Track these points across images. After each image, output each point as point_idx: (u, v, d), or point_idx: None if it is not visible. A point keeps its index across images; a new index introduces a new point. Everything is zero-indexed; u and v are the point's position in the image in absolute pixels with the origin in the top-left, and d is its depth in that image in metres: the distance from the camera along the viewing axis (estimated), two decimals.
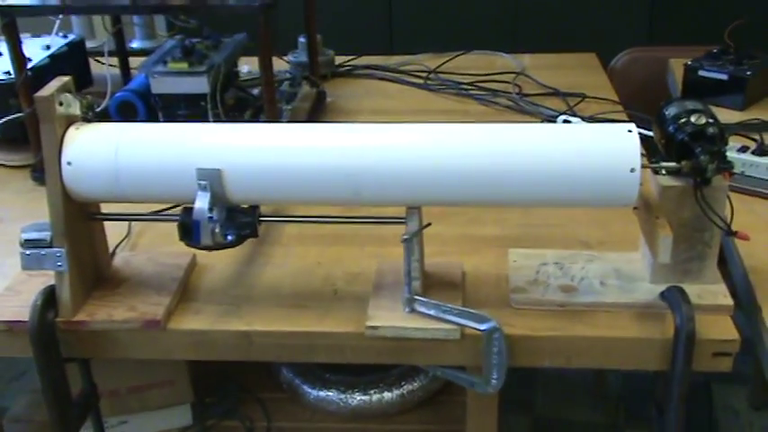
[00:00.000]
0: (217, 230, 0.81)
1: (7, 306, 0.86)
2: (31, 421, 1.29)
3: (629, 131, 0.77)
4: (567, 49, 1.77)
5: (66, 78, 0.81)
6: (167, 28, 1.73)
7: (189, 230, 0.82)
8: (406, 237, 0.81)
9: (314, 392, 1.30)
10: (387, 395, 1.28)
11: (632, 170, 0.75)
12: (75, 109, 0.82)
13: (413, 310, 0.83)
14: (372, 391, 1.29)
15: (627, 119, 1.38)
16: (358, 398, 1.28)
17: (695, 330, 0.77)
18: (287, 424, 1.29)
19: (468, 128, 0.80)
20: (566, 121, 1.33)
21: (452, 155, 0.78)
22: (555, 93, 1.49)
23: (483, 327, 0.80)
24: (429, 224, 0.84)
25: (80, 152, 0.80)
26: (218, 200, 0.80)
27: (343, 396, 1.28)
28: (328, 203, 0.83)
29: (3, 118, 1.23)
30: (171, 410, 1.27)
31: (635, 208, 0.86)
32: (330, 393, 1.29)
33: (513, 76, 1.59)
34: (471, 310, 0.81)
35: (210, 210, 0.80)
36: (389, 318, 0.83)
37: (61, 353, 0.84)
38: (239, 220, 0.84)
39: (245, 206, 0.85)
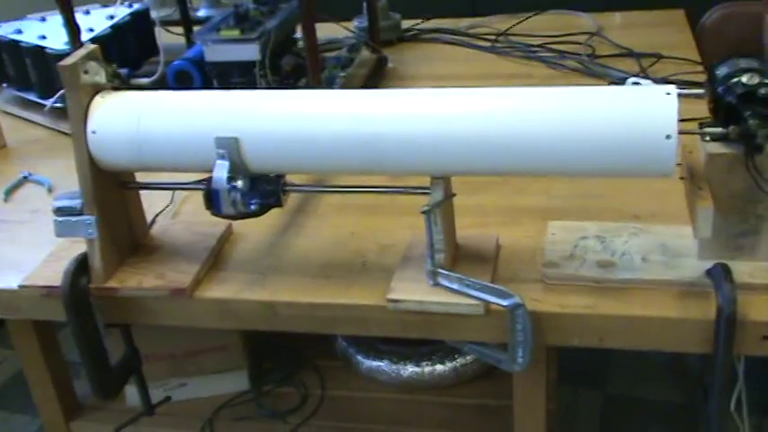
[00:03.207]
0: (239, 199, 0.81)
1: (47, 272, 0.89)
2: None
3: (668, 94, 0.70)
4: (655, 6, 1.65)
5: (92, 46, 0.82)
6: None
7: (211, 199, 0.82)
8: (426, 208, 0.77)
9: (367, 362, 1.29)
10: (439, 367, 1.26)
11: (668, 137, 0.68)
12: (102, 77, 0.83)
13: (437, 284, 0.80)
14: (425, 363, 1.26)
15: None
16: (410, 369, 1.27)
17: (736, 312, 0.70)
18: (341, 392, 1.29)
19: (492, 92, 0.75)
20: (635, 84, 1.24)
21: (474, 121, 0.73)
22: (629, 54, 1.39)
23: (505, 303, 0.76)
24: (454, 195, 0.80)
25: (104, 121, 0.81)
26: (238, 169, 0.80)
27: (395, 367, 1.27)
28: (349, 172, 0.81)
29: None
30: (227, 375, 1.29)
31: (682, 178, 0.80)
32: (382, 364, 1.28)
33: (588, 36, 1.50)
34: (494, 285, 0.77)
35: (231, 179, 0.79)
36: (412, 291, 0.80)
37: (96, 318, 0.86)
38: (263, 188, 0.83)
39: (271, 175, 0.84)
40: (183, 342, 1.24)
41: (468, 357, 1.25)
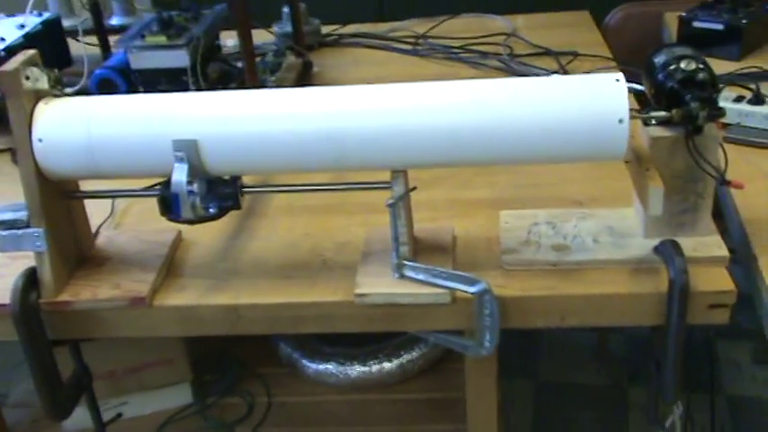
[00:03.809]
0: (197, 203, 0.79)
1: None
2: (30, 407, 1.29)
3: (617, 81, 0.74)
4: (559, 9, 1.73)
5: (31, 52, 0.79)
6: (151, 3, 1.70)
7: (169, 204, 0.80)
8: (391, 201, 0.79)
9: (313, 366, 1.29)
10: (386, 365, 1.27)
11: (620, 121, 0.72)
12: (44, 83, 0.80)
13: (402, 276, 0.81)
14: (372, 362, 1.28)
15: None
16: (358, 369, 1.27)
17: (689, 283, 0.75)
18: (288, 398, 1.29)
19: (448, 84, 0.77)
20: None
21: (433, 113, 0.75)
22: (546, 52, 1.46)
23: (473, 289, 0.78)
24: (414, 188, 0.81)
25: (51, 128, 0.77)
26: (196, 172, 0.78)
27: (342, 368, 1.27)
28: (310, 170, 0.81)
29: None
30: (170, 389, 1.26)
31: (626, 162, 0.84)
32: (329, 366, 1.28)
33: (504, 37, 1.55)
34: (461, 273, 0.79)
35: (190, 182, 0.78)
36: (378, 284, 0.81)
37: (47, 335, 0.83)
38: (220, 191, 0.82)
39: (227, 177, 0.83)
40: (123, 358, 1.20)
41: (415, 353, 1.27)
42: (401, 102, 0.77)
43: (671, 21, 1.46)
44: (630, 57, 1.57)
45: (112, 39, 1.48)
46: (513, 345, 1.66)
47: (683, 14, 1.32)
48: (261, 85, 1.28)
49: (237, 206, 0.83)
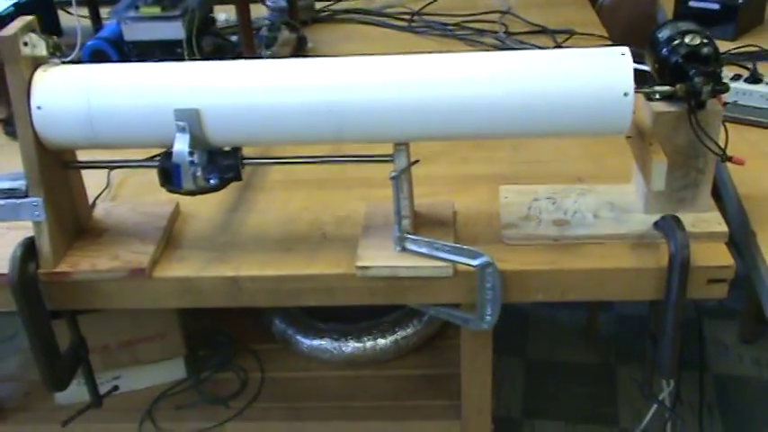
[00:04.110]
0: (198, 174, 0.79)
1: None
2: (21, 380, 1.28)
3: (622, 54, 0.74)
4: None
5: (29, 18, 0.77)
6: None
7: (170, 175, 0.79)
8: (393, 174, 0.78)
9: (307, 342, 1.28)
10: (381, 342, 1.27)
11: (625, 94, 0.73)
12: (42, 50, 0.78)
13: (404, 249, 0.81)
14: (366, 338, 1.28)
15: None
16: (352, 345, 1.27)
17: (690, 257, 0.75)
18: (281, 374, 1.28)
19: (451, 57, 0.77)
20: None
21: (437, 85, 0.75)
22: (542, 30, 1.45)
23: (476, 262, 0.78)
24: (417, 161, 0.81)
25: (50, 95, 0.76)
26: (198, 142, 0.77)
27: (336, 344, 1.27)
28: (311, 142, 0.81)
29: None
30: (164, 364, 1.25)
31: (628, 137, 0.84)
32: (323, 342, 1.28)
33: (500, 15, 1.55)
34: (464, 246, 0.79)
35: (191, 153, 0.77)
36: (380, 257, 0.81)
37: (45, 305, 0.82)
38: (221, 162, 0.81)
39: (227, 149, 0.82)
40: (116, 332, 1.19)
41: (409, 330, 1.28)
42: (404, 74, 0.76)
43: (665, 0, 1.46)
44: (625, 37, 1.56)
45: (104, 11, 1.47)
46: (501, 321, 1.67)
47: None
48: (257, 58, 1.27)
49: (238, 177, 0.82)
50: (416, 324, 1.29)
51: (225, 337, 1.33)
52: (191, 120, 0.76)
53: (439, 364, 1.26)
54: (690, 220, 0.82)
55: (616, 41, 1.46)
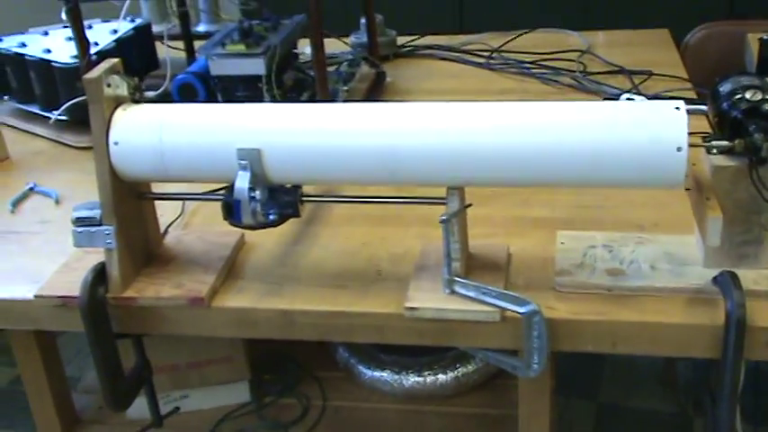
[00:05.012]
0: (258, 210, 0.82)
1: (62, 281, 0.90)
2: (98, 393, 1.35)
3: (677, 108, 0.73)
4: (640, 26, 1.70)
5: (114, 60, 0.83)
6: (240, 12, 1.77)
7: (231, 210, 0.83)
8: (444, 217, 0.80)
9: (368, 372, 1.30)
10: (441, 377, 1.28)
11: (679, 149, 0.71)
12: (123, 90, 0.84)
13: (453, 292, 0.82)
14: (427, 373, 1.28)
15: (695, 97, 1.32)
16: (412, 379, 1.28)
17: (746, 317, 0.73)
18: (342, 403, 1.30)
19: (505, 105, 0.78)
20: (628, 99, 1.28)
21: (487, 134, 0.76)
22: (620, 71, 1.44)
23: (522, 309, 0.78)
24: (470, 205, 0.82)
25: (126, 132, 0.82)
26: (258, 179, 0.81)
27: (397, 377, 1.29)
28: (366, 183, 0.83)
29: (71, 100, 1.28)
30: (229, 387, 1.30)
31: (687, 189, 0.83)
32: (384, 374, 1.29)
33: (579, 54, 1.54)
34: (511, 293, 0.79)
35: (252, 189, 0.81)
36: (429, 299, 0.82)
37: (112, 328, 0.87)
38: (281, 199, 0.84)
39: (288, 186, 0.86)
40: (186, 353, 1.25)
41: (470, 367, 1.27)
42: (457, 121, 0.78)
43: (753, 42, 1.41)
44: (710, 78, 1.53)
45: (198, 44, 1.55)
46: (574, 363, 1.64)
47: (765, 36, 1.28)
48: (332, 94, 1.32)
49: (297, 214, 0.85)
50: (478, 362, 1.28)
51: (290, 362, 1.36)
52: (252, 158, 0.80)
53: (499, 404, 1.25)
54: (752, 276, 0.79)
55: (701, 83, 1.42)
